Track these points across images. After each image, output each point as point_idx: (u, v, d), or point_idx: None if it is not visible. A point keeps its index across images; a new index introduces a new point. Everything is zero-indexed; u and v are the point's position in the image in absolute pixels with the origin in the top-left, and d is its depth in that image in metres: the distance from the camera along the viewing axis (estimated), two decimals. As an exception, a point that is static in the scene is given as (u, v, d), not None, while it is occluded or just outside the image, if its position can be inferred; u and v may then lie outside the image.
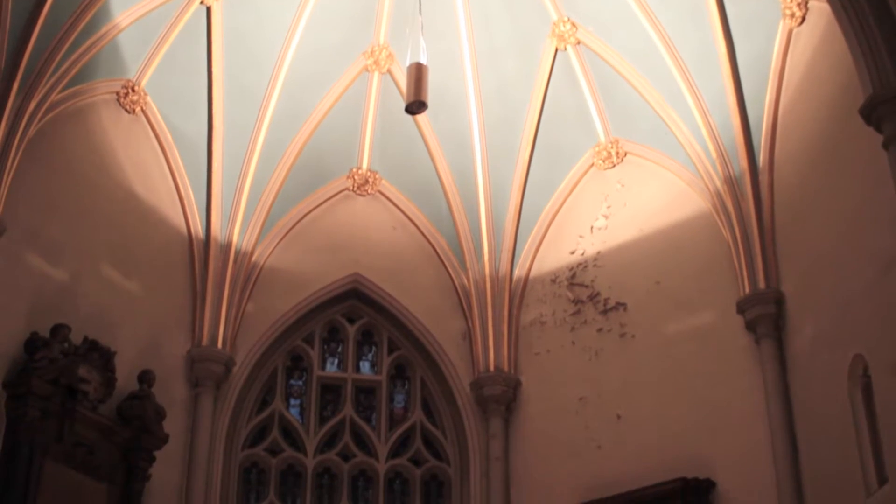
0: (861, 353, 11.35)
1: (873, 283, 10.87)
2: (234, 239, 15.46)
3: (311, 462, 15.40)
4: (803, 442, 12.83)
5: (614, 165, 15.84)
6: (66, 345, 12.76)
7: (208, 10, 14.63)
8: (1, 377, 12.24)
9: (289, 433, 15.59)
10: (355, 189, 16.49)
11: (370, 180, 16.49)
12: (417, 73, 12.02)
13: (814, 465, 12.59)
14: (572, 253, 15.90)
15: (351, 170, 16.47)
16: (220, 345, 15.07)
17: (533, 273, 16.15)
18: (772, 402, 13.18)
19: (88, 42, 13.53)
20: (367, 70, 15.85)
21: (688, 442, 13.81)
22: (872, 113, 9.67)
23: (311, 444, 15.50)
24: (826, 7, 11.28)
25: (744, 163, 13.99)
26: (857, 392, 11.64)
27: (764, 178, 13.85)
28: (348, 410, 15.81)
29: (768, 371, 13.36)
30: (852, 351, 11.51)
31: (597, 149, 15.91)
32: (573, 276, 15.77)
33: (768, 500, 12.91)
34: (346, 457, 15.56)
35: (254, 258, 15.71)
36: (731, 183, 14.12)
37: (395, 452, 15.69)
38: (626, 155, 15.76)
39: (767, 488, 12.97)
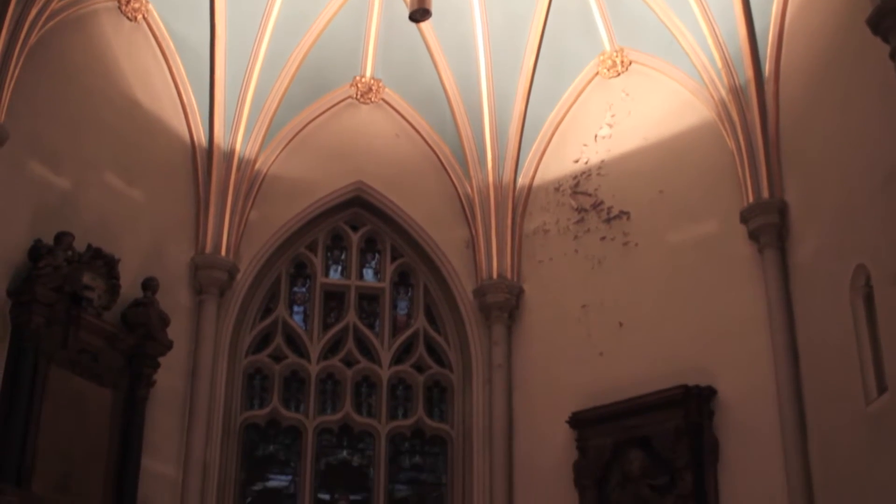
0: (863, 262, 11.36)
1: (877, 193, 10.84)
2: (238, 146, 15.42)
3: (314, 368, 15.51)
4: (804, 351, 12.91)
5: (619, 74, 15.75)
6: (69, 252, 12.78)
7: (210, -85, 14.50)
8: (5, 285, 12.28)
9: (292, 340, 15.68)
10: (359, 97, 16.40)
11: (373, 88, 16.40)
12: (421, -20, 11.92)
13: (814, 374, 12.68)
14: (576, 161, 15.87)
15: (354, 78, 16.37)
16: (223, 252, 15.11)
17: (536, 181, 16.13)
18: (774, 311, 13.25)
19: (88, -52, 13.45)
20: (371, -25, 15.75)
21: (689, 350, 13.88)
22: (880, 23, 9.61)
23: (314, 351, 15.59)
24: (834, -86, 11.16)
25: (749, 72, 13.90)
26: (858, 302, 11.68)
27: (769, 88, 13.77)
28: (351, 317, 15.89)
29: (770, 280, 13.40)
30: (855, 261, 11.53)
31: (601, 57, 15.80)
32: (577, 185, 15.76)
33: (769, 408, 13.03)
34: (349, 363, 15.66)
35: (257, 166, 15.68)
36: (737, 92, 14.05)
37: (397, 359, 15.79)
38: (630, 64, 15.66)
39: (768, 396, 13.08)
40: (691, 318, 14.01)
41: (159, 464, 13.66)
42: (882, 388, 11.13)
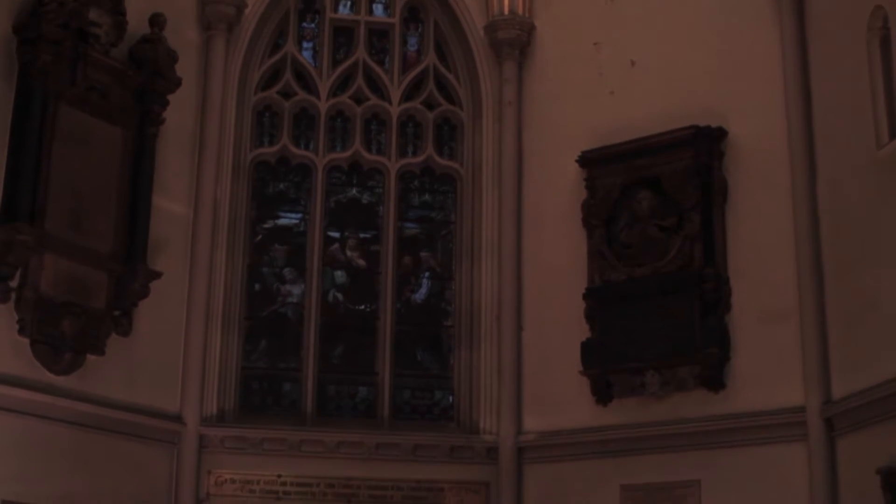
0: (881, 4, 11.17)
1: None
2: None
3: (323, 105, 15.43)
4: (817, 93, 12.81)
5: None
6: (73, -12, 12.57)
7: None
8: (11, 22, 12.11)
9: (301, 76, 15.53)
10: None
11: None
12: None
13: (826, 117, 12.62)
14: None
15: None
16: (229, -15, 14.84)
17: None
18: (788, 53, 13.08)
19: None
20: None
21: (702, 90, 13.75)
22: None
23: (323, 88, 15.47)
24: None
25: None
26: (874, 44, 11.57)
27: None
28: (361, 53, 15.69)
29: (786, 20, 13.16)
30: (873, 2, 11.31)
31: None
32: (592, -85, 15.24)
33: (779, 150, 13.02)
34: (358, 100, 15.56)
35: None
36: None
37: (407, 96, 15.67)
38: None
39: (779, 138, 13.05)
40: (705, 59, 13.81)
41: (170, 202, 13.76)
42: (893, 133, 11.13)
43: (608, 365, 13.66)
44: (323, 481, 14.04)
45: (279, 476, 13.95)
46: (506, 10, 15.41)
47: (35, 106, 12.07)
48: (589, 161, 14.28)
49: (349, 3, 15.93)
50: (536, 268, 14.73)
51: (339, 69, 15.60)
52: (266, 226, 15.23)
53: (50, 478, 11.94)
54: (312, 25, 15.78)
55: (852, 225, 11.97)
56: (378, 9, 16.00)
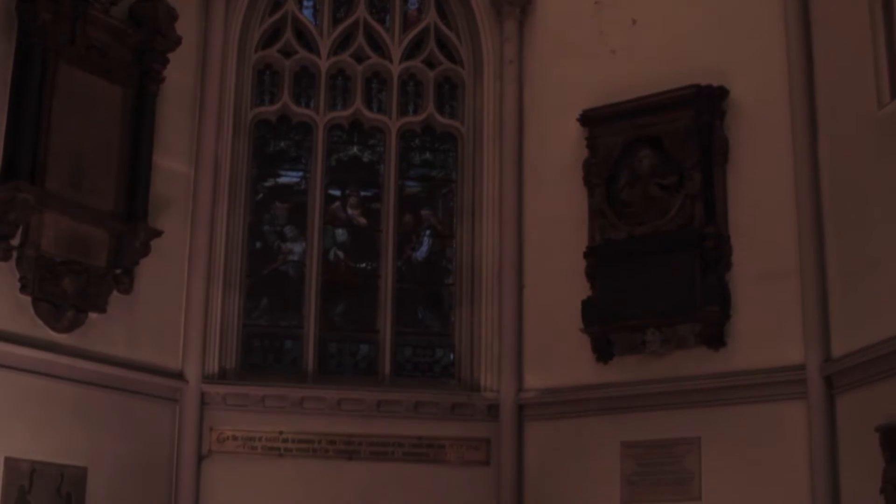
0: (884, -38, 11.14)
1: None
2: None
3: (324, 64, 15.38)
4: (819, 53, 12.73)
5: None
6: (71, -54, 12.52)
7: None
8: (11, -22, 12.14)
9: (302, 35, 15.46)
10: None
11: None
12: None
13: (828, 77, 12.58)
14: None
15: None
16: (229, -62, 14.78)
17: None
18: (790, 13, 12.91)
19: None
20: None
21: (703, 49, 13.67)
22: None
23: (324, 46, 15.41)
24: None
25: None
26: (877, 3, 11.59)
27: None
28: (361, 12, 15.60)
29: (788, -21, 13.14)
30: (876, -40, 11.31)
31: None
32: None
33: (780, 110, 12.96)
34: (359, 58, 15.50)
35: None
36: None
37: (408, 54, 15.59)
38: None
39: (780, 98, 12.98)
40: (706, 17, 13.73)
41: (171, 161, 13.74)
42: (895, 93, 11.10)
43: (609, 323, 13.68)
44: (324, 438, 14.10)
45: (280, 433, 14.01)
46: (506, -32, 15.35)
47: (34, 65, 12.05)
48: (590, 120, 14.24)
49: (349, -38, 15.86)
50: (537, 226, 14.71)
51: (340, 27, 15.52)
52: (267, 184, 15.22)
53: (52, 435, 12.00)
54: (312, -17, 15.74)
55: (853, 184, 11.97)
56: (378, -34, 15.94)
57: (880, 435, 11.00)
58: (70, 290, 12.31)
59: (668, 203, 13.56)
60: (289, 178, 15.35)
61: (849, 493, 11.84)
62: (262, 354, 14.73)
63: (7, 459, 11.57)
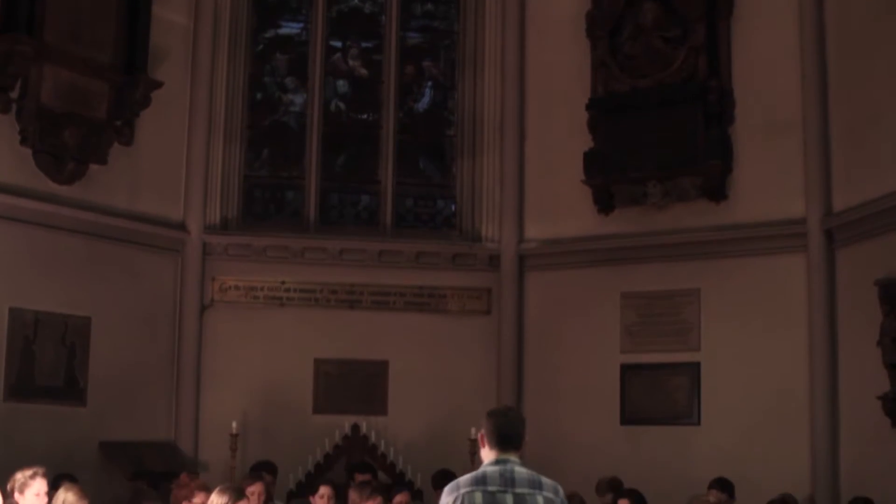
0: None
1: None
2: None
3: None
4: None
5: None
6: None
7: None
8: None
9: None
10: None
11: None
12: None
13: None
14: None
15: None
16: None
17: None
18: None
19: None
20: None
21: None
22: None
23: None
24: None
25: None
26: None
27: None
28: None
29: None
30: None
31: None
32: None
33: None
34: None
35: None
36: None
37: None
38: None
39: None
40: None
41: (170, 12, 13.53)
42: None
43: (610, 174, 13.68)
44: (326, 287, 14.22)
45: (282, 282, 14.12)
46: None
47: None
48: (593, -31, 14.04)
49: None
50: (539, 78, 14.57)
51: None
52: (267, 35, 15.03)
53: (55, 285, 12.14)
54: None
55: (858, 38, 11.88)
56: None
57: (879, 288, 11.11)
58: (71, 142, 12.29)
59: (672, 56, 13.43)
60: (289, 28, 15.13)
61: (847, 345, 12.01)
62: (263, 205, 14.76)
63: (11, 309, 11.71)
